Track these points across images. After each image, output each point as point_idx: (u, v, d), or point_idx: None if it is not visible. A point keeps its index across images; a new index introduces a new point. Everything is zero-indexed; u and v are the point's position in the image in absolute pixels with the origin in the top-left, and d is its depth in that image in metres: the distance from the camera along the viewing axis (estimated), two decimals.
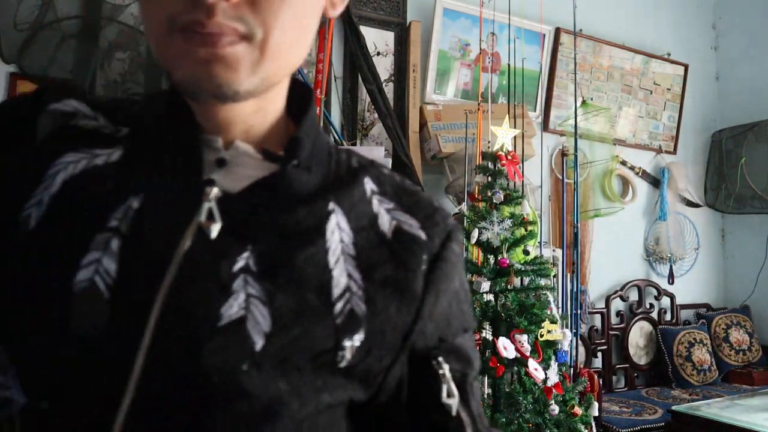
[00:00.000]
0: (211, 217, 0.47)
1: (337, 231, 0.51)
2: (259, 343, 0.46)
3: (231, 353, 0.45)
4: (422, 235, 0.55)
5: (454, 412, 0.53)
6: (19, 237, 0.46)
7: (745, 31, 4.36)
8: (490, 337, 2.10)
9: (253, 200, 0.49)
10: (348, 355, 0.50)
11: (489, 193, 2.25)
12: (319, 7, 0.56)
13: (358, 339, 0.50)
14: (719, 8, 4.54)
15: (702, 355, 3.76)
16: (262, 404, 0.46)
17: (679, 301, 4.10)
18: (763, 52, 4.22)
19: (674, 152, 4.26)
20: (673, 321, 4.06)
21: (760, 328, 4.01)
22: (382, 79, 3.20)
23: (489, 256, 2.25)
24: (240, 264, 0.47)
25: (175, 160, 0.50)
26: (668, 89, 4.24)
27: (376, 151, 2.78)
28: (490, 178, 2.29)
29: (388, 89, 3.28)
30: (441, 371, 0.54)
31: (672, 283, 4.08)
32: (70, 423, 0.44)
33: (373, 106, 3.13)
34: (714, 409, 2.76)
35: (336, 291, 0.50)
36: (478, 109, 2.75)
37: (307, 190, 0.52)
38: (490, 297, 2.22)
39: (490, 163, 2.30)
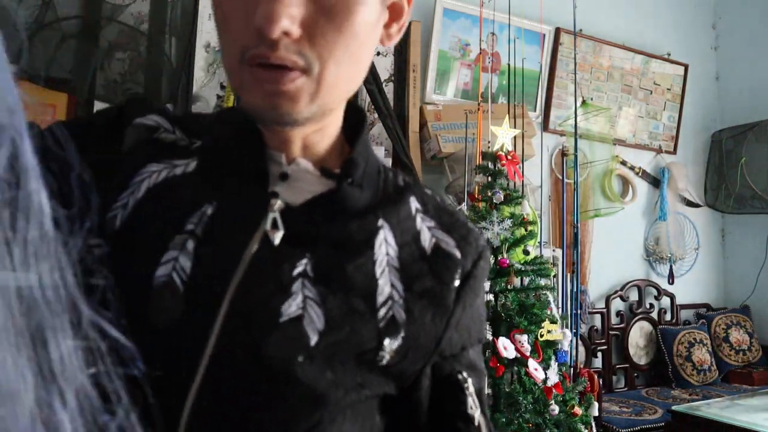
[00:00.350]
0: (275, 226, 0.53)
1: (384, 245, 0.58)
2: (313, 339, 0.52)
3: (289, 346, 0.51)
4: (457, 253, 0.61)
5: (476, 423, 0.61)
6: (105, 235, 0.52)
7: (745, 31, 4.36)
8: (490, 337, 2.10)
9: (312, 213, 0.56)
10: (387, 355, 0.56)
11: (489, 193, 2.25)
12: (374, 39, 0.58)
13: (396, 342, 0.56)
14: (719, 8, 4.54)
15: (702, 355, 3.76)
16: (312, 392, 0.52)
17: (679, 301, 4.10)
18: (763, 52, 4.22)
19: (674, 152, 4.26)
20: (673, 321, 4.06)
21: (760, 328, 4.01)
22: (382, 79, 3.19)
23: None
24: (299, 269, 0.53)
25: (244, 173, 0.56)
26: (668, 89, 4.24)
27: (376, 151, 2.77)
28: (490, 178, 2.29)
29: (388, 89, 3.28)
30: (466, 385, 0.62)
31: (672, 283, 4.08)
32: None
33: (373, 106, 3.13)
34: (714, 409, 2.76)
35: (380, 298, 0.56)
36: (478, 109, 2.75)
37: (359, 206, 0.58)
38: (490, 297, 2.22)
39: (490, 163, 2.30)
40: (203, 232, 0.53)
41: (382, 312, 0.56)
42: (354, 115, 0.64)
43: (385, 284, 0.57)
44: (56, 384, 0.30)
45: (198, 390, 0.50)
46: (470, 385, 0.62)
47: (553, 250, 3.22)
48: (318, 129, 0.58)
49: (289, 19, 0.48)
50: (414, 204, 0.62)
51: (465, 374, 0.62)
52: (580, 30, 3.64)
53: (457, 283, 0.60)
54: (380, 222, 0.59)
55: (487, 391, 2.07)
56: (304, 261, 0.54)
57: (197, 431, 0.50)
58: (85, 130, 0.58)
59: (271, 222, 0.53)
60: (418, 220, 0.61)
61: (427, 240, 0.61)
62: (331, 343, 0.53)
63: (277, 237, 0.53)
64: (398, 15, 0.59)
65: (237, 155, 0.57)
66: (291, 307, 0.52)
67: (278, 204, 0.54)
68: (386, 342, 0.56)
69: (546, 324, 2.17)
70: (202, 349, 0.50)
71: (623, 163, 4.01)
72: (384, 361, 0.56)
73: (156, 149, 0.57)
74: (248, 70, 0.51)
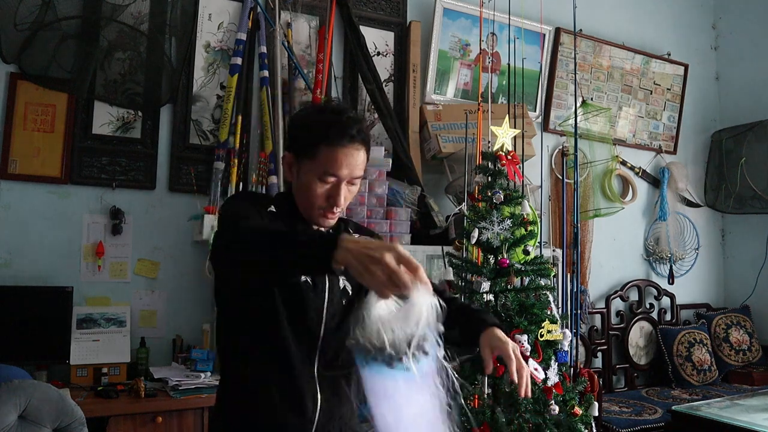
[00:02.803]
0: None
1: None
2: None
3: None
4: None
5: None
6: None
7: (745, 31, 4.36)
8: None
9: None
10: None
11: (489, 193, 2.25)
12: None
13: None
14: (719, 8, 4.54)
15: (702, 355, 3.76)
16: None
17: (679, 301, 4.10)
18: (763, 52, 4.21)
19: (674, 152, 4.26)
20: (673, 321, 4.06)
21: (760, 328, 4.01)
22: (382, 79, 3.19)
23: (489, 256, 2.25)
24: (341, 281, 1.28)
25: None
26: (668, 89, 4.24)
27: (376, 151, 2.77)
28: (490, 178, 2.29)
29: (388, 89, 3.28)
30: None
31: (672, 283, 4.08)
32: (299, 352, 1.19)
33: (373, 106, 3.13)
34: (714, 409, 2.76)
35: None
36: (478, 109, 2.75)
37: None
38: (490, 297, 2.22)
39: (490, 163, 2.30)
40: None
41: None
42: None
43: None
44: None
45: (320, 346, 1.21)
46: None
47: (553, 250, 3.22)
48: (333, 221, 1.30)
49: (343, 202, 1.23)
50: (350, 227, 1.40)
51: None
52: (580, 30, 3.64)
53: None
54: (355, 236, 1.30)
55: (486, 390, 2.07)
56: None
57: (323, 358, 1.22)
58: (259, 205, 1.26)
59: None
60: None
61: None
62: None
63: None
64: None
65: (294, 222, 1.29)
66: (341, 283, 1.27)
67: None
68: None
69: (546, 324, 2.17)
70: (321, 320, 1.21)
71: (623, 163, 4.01)
72: None
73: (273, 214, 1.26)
74: (318, 211, 1.24)
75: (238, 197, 1.45)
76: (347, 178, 1.21)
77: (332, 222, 1.26)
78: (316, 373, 1.21)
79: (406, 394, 0.92)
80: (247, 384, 1.22)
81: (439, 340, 0.93)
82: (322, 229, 1.27)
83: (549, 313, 2.26)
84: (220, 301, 1.29)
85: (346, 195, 1.22)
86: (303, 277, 1.19)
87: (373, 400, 0.94)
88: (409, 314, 0.89)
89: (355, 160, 1.20)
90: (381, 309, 0.91)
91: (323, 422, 1.20)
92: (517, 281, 2.18)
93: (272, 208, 1.24)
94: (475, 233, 2.19)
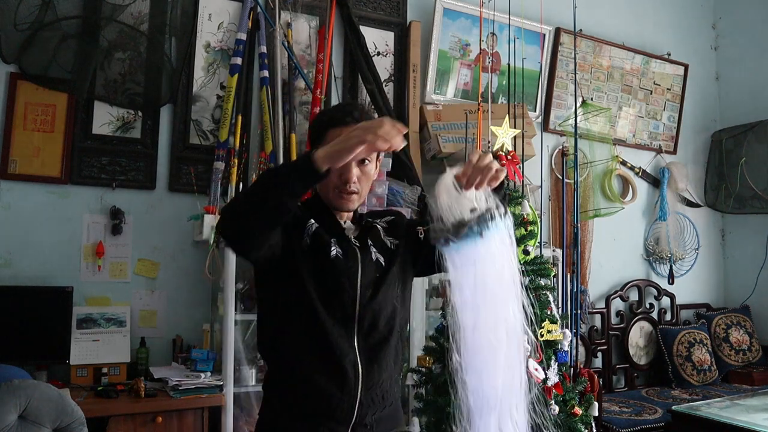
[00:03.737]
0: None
1: (379, 226, 1.41)
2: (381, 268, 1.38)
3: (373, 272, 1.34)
4: (387, 221, 1.46)
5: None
6: (304, 247, 1.28)
7: (745, 31, 4.36)
8: None
9: (359, 235, 1.37)
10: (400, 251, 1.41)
11: None
12: (375, 175, 1.40)
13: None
14: (719, 8, 4.54)
15: (702, 355, 3.76)
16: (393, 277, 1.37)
17: (679, 301, 4.10)
18: (763, 52, 4.22)
19: (674, 152, 4.26)
20: (673, 321, 4.06)
21: (760, 328, 4.01)
22: (382, 79, 3.19)
23: None
24: (369, 242, 1.36)
25: (331, 224, 1.34)
26: (668, 89, 4.24)
27: None
28: None
29: (388, 89, 3.28)
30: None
31: (672, 283, 4.08)
32: (336, 324, 1.26)
33: (373, 106, 3.13)
34: (714, 409, 2.76)
35: (387, 242, 1.39)
36: (478, 109, 2.75)
37: (370, 224, 1.41)
38: None
39: None
40: (337, 242, 1.30)
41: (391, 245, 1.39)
42: None
43: (385, 239, 1.39)
44: None
45: (360, 304, 1.28)
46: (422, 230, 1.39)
47: (553, 250, 3.22)
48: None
49: (356, 179, 1.30)
50: (377, 219, 1.44)
51: (421, 228, 1.39)
52: (580, 30, 3.64)
53: (404, 221, 1.47)
54: (375, 223, 1.42)
55: None
56: (369, 242, 1.35)
57: (361, 329, 1.28)
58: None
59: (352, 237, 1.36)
60: (378, 221, 1.43)
61: (385, 221, 1.43)
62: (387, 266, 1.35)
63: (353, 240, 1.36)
64: (379, 162, 1.39)
65: (328, 219, 1.34)
66: (373, 256, 1.33)
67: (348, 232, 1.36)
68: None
69: (546, 324, 2.17)
70: (357, 284, 1.28)
71: (623, 163, 4.01)
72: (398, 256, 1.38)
73: (302, 216, 1.31)
74: (335, 192, 1.31)
75: None
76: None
77: (352, 205, 1.33)
78: (356, 344, 1.26)
79: (484, 262, 1.04)
80: (288, 366, 1.27)
81: (502, 210, 1.05)
82: (345, 214, 1.37)
83: (549, 313, 2.26)
84: (259, 291, 1.37)
85: (359, 175, 1.30)
86: (333, 252, 1.27)
87: (453, 273, 1.07)
88: (467, 194, 1.05)
89: None
90: (446, 195, 1.05)
91: (365, 390, 1.26)
92: None
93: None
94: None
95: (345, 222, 1.36)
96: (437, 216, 1.05)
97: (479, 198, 1.05)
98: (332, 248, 1.28)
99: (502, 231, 1.04)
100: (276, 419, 1.29)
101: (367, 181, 1.33)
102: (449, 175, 1.08)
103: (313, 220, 1.30)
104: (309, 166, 1.07)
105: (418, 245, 1.38)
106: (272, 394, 1.33)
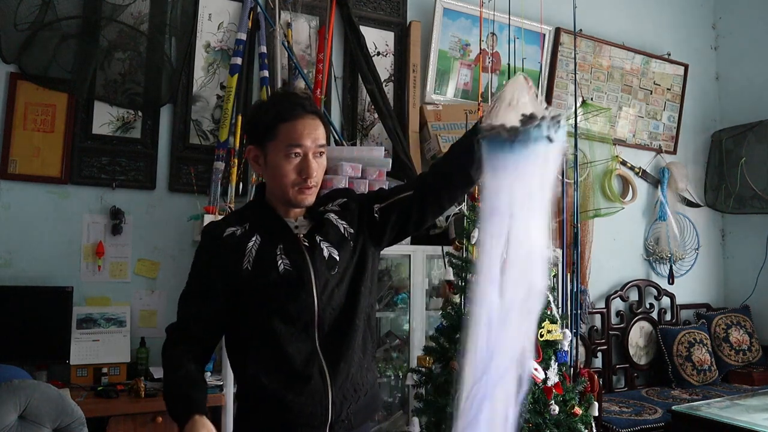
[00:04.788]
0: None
1: (332, 217, 1.36)
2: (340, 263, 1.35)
3: (329, 268, 1.32)
4: (339, 204, 1.40)
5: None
6: (244, 274, 1.26)
7: (745, 31, 4.36)
8: None
9: (310, 232, 1.34)
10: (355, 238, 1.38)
11: None
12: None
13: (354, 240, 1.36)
14: (719, 8, 4.54)
15: (702, 355, 3.76)
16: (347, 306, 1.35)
17: (679, 301, 4.10)
18: (763, 52, 4.21)
19: (674, 152, 4.26)
20: (673, 321, 4.05)
21: (760, 328, 4.01)
22: (382, 79, 3.19)
23: None
24: (319, 239, 1.31)
25: (277, 229, 1.31)
26: (668, 89, 4.23)
27: (376, 151, 2.77)
28: None
29: (388, 89, 3.27)
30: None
31: (672, 283, 4.08)
32: (296, 333, 1.24)
33: (373, 106, 3.13)
34: (714, 409, 2.76)
35: (341, 229, 1.35)
36: (478, 109, 2.75)
37: (321, 215, 1.36)
38: None
39: None
40: (284, 250, 1.28)
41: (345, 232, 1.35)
42: None
43: (338, 224, 1.34)
44: None
45: (318, 321, 1.25)
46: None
47: (553, 250, 3.22)
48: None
49: (316, 174, 1.27)
50: (329, 207, 1.38)
51: (376, 206, 1.36)
52: (580, 30, 3.64)
53: (354, 206, 1.39)
54: (327, 215, 1.36)
55: None
56: (319, 238, 1.31)
57: (322, 331, 1.26)
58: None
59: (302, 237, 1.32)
60: (329, 206, 1.37)
61: (337, 205, 1.38)
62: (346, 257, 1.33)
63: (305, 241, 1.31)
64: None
65: (275, 224, 1.32)
66: (325, 253, 1.28)
67: (299, 231, 1.33)
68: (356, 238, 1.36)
69: (546, 324, 2.17)
70: (313, 296, 1.25)
71: (623, 163, 4.00)
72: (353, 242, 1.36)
73: (241, 236, 1.30)
74: (295, 189, 1.27)
75: (196, 252, 1.34)
76: (312, 147, 1.25)
77: (311, 198, 1.29)
78: (318, 348, 1.25)
79: (526, 171, 0.97)
80: (255, 384, 1.26)
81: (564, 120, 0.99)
82: (296, 211, 1.33)
83: (549, 313, 2.26)
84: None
85: (316, 167, 1.26)
86: (281, 266, 1.25)
87: (491, 176, 1.00)
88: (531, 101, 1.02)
89: (315, 129, 1.26)
90: (514, 92, 1.03)
91: (336, 390, 1.26)
92: None
93: (234, 229, 1.30)
94: (475, 233, 2.19)
95: (296, 220, 1.33)
96: (497, 113, 1.01)
97: (539, 109, 0.99)
98: (279, 262, 1.24)
99: (561, 142, 0.98)
100: None
101: (322, 172, 1.30)
102: (521, 77, 1.05)
103: (253, 240, 1.26)
104: (179, 421, 1.18)
105: (380, 222, 1.33)
106: (244, 410, 1.32)
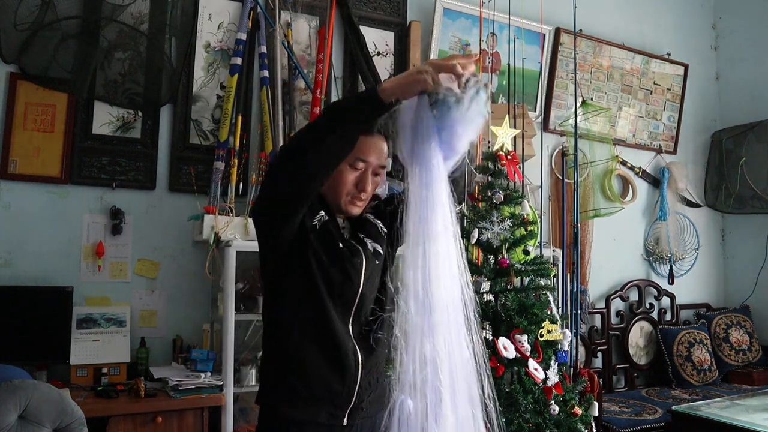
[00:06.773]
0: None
1: (373, 219, 1.44)
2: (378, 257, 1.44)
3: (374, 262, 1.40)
4: (372, 205, 1.48)
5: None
6: (311, 229, 1.30)
7: (745, 31, 4.36)
8: (490, 337, 2.10)
9: (353, 232, 1.42)
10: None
11: (489, 193, 2.25)
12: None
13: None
14: (719, 8, 4.54)
15: (702, 355, 3.76)
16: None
17: (679, 301, 4.10)
18: (763, 52, 4.21)
19: (674, 152, 4.26)
20: (673, 321, 4.05)
21: (760, 328, 4.01)
22: (383, 79, 3.19)
23: (489, 256, 2.25)
24: (369, 246, 1.39)
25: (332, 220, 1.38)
26: (668, 89, 4.24)
27: None
28: (490, 178, 2.29)
29: None
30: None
31: (672, 283, 4.08)
32: (338, 311, 1.30)
33: None
34: (714, 409, 2.76)
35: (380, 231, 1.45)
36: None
37: (362, 219, 1.44)
38: (490, 297, 2.22)
39: (490, 163, 2.30)
40: (341, 235, 1.37)
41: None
42: None
43: (376, 223, 1.43)
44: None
45: (361, 293, 1.33)
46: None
47: (553, 250, 3.22)
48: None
49: (370, 189, 1.36)
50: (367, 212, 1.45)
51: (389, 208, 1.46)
52: (580, 30, 3.64)
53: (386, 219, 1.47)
54: (367, 216, 1.44)
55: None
56: (362, 235, 1.39)
57: (357, 318, 1.33)
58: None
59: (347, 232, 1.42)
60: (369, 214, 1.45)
61: (371, 207, 1.46)
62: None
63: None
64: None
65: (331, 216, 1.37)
66: (370, 246, 1.37)
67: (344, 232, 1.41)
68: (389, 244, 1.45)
69: (546, 324, 2.17)
70: (361, 274, 1.33)
71: (623, 163, 4.01)
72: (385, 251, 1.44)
73: (315, 203, 1.34)
74: (348, 198, 1.34)
75: None
76: (375, 164, 1.34)
77: (359, 210, 1.37)
78: (351, 332, 1.31)
79: (464, 126, 1.09)
80: (294, 355, 1.29)
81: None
82: (350, 216, 1.40)
83: (549, 313, 2.26)
84: (267, 282, 1.37)
85: (372, 184, 1.35)
86: (340, 244, 1.31)
87: (436, 132, 1.11)
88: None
89: (381, 149, 1.35)
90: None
91: (364, 374, 1.32)
92: (517, 281, 2.18)
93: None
94: (475, 233, 2.19)
95: (343, 221, 1.41)
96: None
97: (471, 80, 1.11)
98: (338, 241, 1.32)
99: (481, 103, 1.09)
100: (276, 405, 1.31)
101: (375, 189, 1.39)
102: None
103: (321, 213, 1.33)
104: (375, 96, 1.07)
105: (392, 224, 1.42)
106: (274, 380, 1.34)
